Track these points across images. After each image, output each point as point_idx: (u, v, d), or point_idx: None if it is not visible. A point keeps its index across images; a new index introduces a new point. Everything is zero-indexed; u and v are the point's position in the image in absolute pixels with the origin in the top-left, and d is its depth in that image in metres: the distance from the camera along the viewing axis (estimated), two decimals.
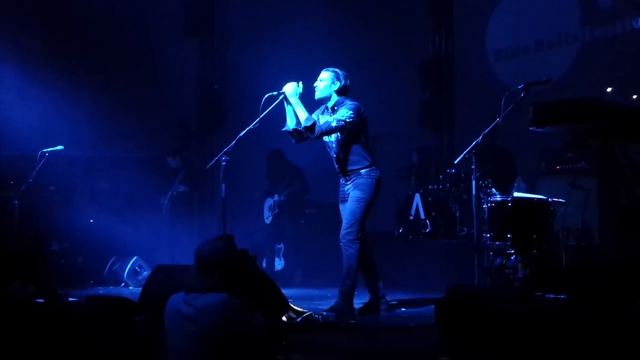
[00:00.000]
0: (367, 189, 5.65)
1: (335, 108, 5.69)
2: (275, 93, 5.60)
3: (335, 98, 5.73)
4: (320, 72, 5.81)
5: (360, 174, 5.68)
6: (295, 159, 8.90)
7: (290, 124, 5.72)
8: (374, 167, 5.72)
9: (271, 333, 3.25)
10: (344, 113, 5.57)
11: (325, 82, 5.72)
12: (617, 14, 8.38)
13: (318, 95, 5.76)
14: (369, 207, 5.69)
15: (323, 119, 5.72)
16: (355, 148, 5.69)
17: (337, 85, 5.71)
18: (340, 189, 5.84)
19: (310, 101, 5.80)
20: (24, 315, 2.99)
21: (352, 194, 5.67)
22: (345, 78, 5.75)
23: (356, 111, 5.60)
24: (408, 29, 10.38)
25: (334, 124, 5.56)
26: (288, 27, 10.35)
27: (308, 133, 5.62)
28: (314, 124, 5.56)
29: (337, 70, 5.76)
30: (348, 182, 5.74)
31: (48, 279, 5.09)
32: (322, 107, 5.84)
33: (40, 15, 9.88)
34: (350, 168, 5.71)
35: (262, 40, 10.49)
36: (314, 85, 5.76)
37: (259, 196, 9.29)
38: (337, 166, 5.80)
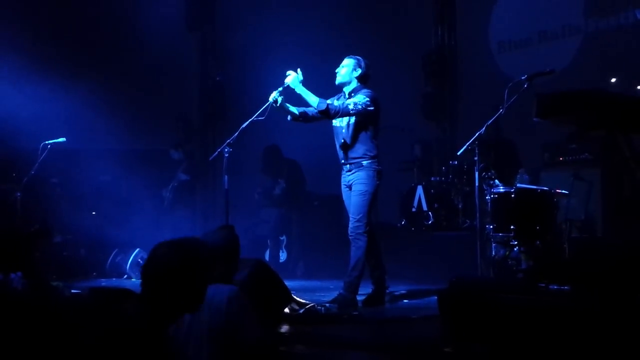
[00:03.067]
0: (368, 181, 5.68)
1: (352, 95, 5.71)
2: (280, 89, 5.61)
3: (354, 84, 5.76)
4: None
5: (362, 165, 5.69)
6: (294, 151, 8.89)
7: (292, 116, 5.75)
8: (376, 160, 5.73)
9: (264, 346, 3.17)
10: (361, 99, 5.60)
11: (347, 68, 5.77)
12: (621, 5, 8.34)
13: (339, 80, 5.79)
14: (373, 199, 5.73)
15: (339, 103, 5.73)
16: (364, 137, 5.71)
17: (359, 72, 5.76)
18: (342, 177, 5.87)
19: (320, 88, 5.79)
20: (23, 307, 2.98)
21: (355, 188, 5.70)
22: (367, 67, 5.79)
23: (373, 100, 5.63)
24: (410, 21, 10.35)
25: (351, 107, 5.58)
26: (290, 19, 10.32)
27: (323, 115, 5.64)
28: (327, 106, 5.55)
29: (360, 57, 5.82)
30: (350, 173, 5.75)
31: (39, 271, 5.09)
32: (339, 95, 5.85)
33: (42, 9, 9.86)
34: (353, 156, 5.72)
35: (264, 32, 10.46)
36: (336, 70, 5.80)
37: (257, 197, 9.26)
38: (341, 153, 5.80)
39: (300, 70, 5.62)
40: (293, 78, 5.60)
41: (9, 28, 8.88)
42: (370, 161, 5.71)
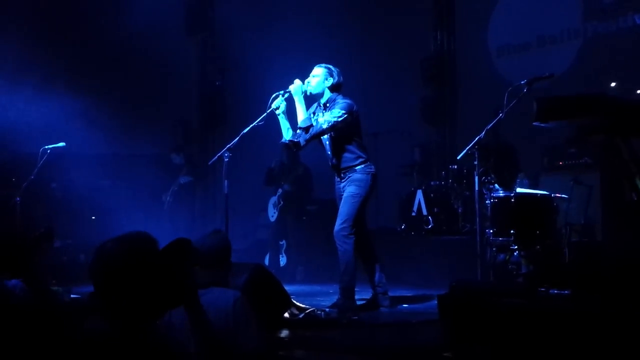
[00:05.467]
0: (362, 184, 5.62)
1: (328, 105, 5.65)
2: (281, 92, 5.60)
3: (328, 94, 5.68)
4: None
5: (355, 170, 5.65)
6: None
7: (286, 136, 5.72)
8: (368, 162, 5.70)
9: (259, 356, 3.12)
10: (336, 113, 5.53)
11: (318, 78, 5.67)
12: (620, 9, 8.36)
13: (310, 90, 5.70)
14: (364, 203, 5.67)
15: (314, 118, 5.71)
16: (349, 146, 5.66)
17: (330, 81, 5.67)
18: (336, 185, 5.83)
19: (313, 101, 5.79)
20: (23, 314, 2.96)
21: (348, 190, 5.64)
22: (339, 74, 5.69)
23: (348, 109, 5.56)
24: (410, 25, 10.36)
25: (325, 126, 5.54)
26: (289, 24, 10.34)
27: (302, 133, 5.61)
28: (310, 126, 5.56)
29: (330, 66, 5.71)
30: (343, 180, 5.72)
31: (40, 277, 5.06)
32: (314, 106, 5.80)
33: (42, 14, 9.87)
34: (344, 165, 5.69)
35: (263, 37, 10.48)
36: (306, 80, 5.69)
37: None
38: (331, 164, 5.78)
39: (309, 82, 5.62)
40: (297, 86, 5.60)
41: (9, 33, 8.88)
42: (362, 166, 5.66)
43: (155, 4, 9.97)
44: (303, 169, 8.84)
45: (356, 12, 10.58)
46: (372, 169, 5.70)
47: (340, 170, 5.72)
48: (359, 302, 5.78)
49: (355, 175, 5.64)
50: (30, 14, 9.73)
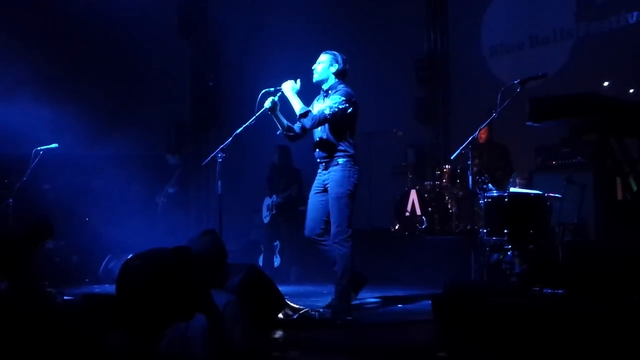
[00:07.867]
0: (344, 182, 5.51)
1: (330, 92, 5.62)
2: (272, 89, 5.58)
3: (332, 81, 5.65)
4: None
5: (337, 163, 5.54)
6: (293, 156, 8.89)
7: (282, 128, 5.69)
8: (352, 159, 5.57)
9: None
10: (336, 99, 5.48)
11: (324, 64, 5.66)
12: (612, 9, 8.40)
13: (316, 77, 5.69)
14: (352, 200, 5.54)
15: (318, 105, 5.67)
16: (340, 136, 5.56)
17: (335, 67, 5.64)
18: (317, 177, 5.69)
19: (308, 98, 5.78)
20: (18, 315, 2.95)
21: (331, 191, 5.54)
22: (344, 62, 5.68)
23: (348, 97, 5.50)
24: (403, 26, 10.38)
25: (327, 112, 5.46)
26: (282, 23, 10.34)
27: (302, 121, 5.54)
28: (308, 112, 5.50)
29: (336, 53, 5.71)
30: (326, 172, 5.61)
31: (30, 277, 5.03)
32: (318, 97, 5.77)
33: (34, 15, 9.84)
34: (330, 154, 5.57)
35: (256, 36, 10.48)
36: (312, 67, 5.70)
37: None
38: (317, 151, 5.67)
39: (300, 81, 5.59)
40: (290, 86, 5.57)
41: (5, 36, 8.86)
42: (346, 159, 5.54)
43: (148, 4, 9.95)
44: (294, 178, 8.82)
45: (349, 13, 10.59)
46: (355, 166, 5.57)
47: (323, 160, 5.62)
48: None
49: (337, 173, 5.53)
50: (21, 14, 9.70)
